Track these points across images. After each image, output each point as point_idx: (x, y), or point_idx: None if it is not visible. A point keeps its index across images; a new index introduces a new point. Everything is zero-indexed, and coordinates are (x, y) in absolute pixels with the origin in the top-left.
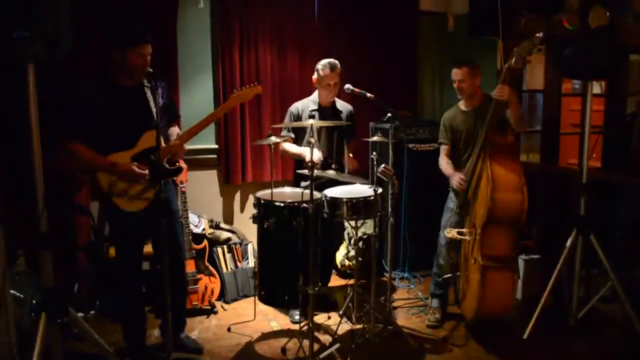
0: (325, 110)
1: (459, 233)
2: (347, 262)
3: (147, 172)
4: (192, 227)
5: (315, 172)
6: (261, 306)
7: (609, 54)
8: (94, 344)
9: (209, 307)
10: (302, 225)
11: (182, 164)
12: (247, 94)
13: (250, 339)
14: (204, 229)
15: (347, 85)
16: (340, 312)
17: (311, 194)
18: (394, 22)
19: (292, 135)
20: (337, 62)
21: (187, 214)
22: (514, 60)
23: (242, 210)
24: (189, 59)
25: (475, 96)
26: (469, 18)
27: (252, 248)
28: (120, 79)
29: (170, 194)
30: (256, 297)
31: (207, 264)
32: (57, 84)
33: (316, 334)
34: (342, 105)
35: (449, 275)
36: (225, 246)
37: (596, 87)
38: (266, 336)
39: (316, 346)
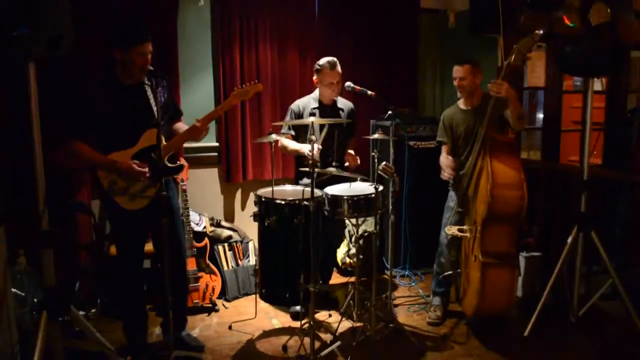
0: (326, 108)
1: (459, 230)
2: (348, 260)
3: (147, 170)
4: (193, 225)
5: (317, 170)
6: (262, 304)
7: (610, 51)
8: (96, 342)
9: (210, 305)
10: (303, 223)
11: (183, 162)
12: (248, 92)
13: (251, 337)
14: (204, 227)
15: (348, 83)
16: (341, 310)
17: (312, 191)
18: (395, 19)
19: (292, 133)
20: (335, 59)
21: (188, 212)
22: (513, 57)
23: (243, 208)
24: (190, 57)
25: (475, 95)
26: (469, 15)
27: (253, 246)
28: (121, 77)
29: (171, 192)
30: (257, 295)
31: (208, 262)
32: (58, 83)
33: (317, 331)
34: (343, 103)
35: (450, 272)
36: (226, 244)
37: (597, 84)
38: (267, 334)
39: (317, 344)
